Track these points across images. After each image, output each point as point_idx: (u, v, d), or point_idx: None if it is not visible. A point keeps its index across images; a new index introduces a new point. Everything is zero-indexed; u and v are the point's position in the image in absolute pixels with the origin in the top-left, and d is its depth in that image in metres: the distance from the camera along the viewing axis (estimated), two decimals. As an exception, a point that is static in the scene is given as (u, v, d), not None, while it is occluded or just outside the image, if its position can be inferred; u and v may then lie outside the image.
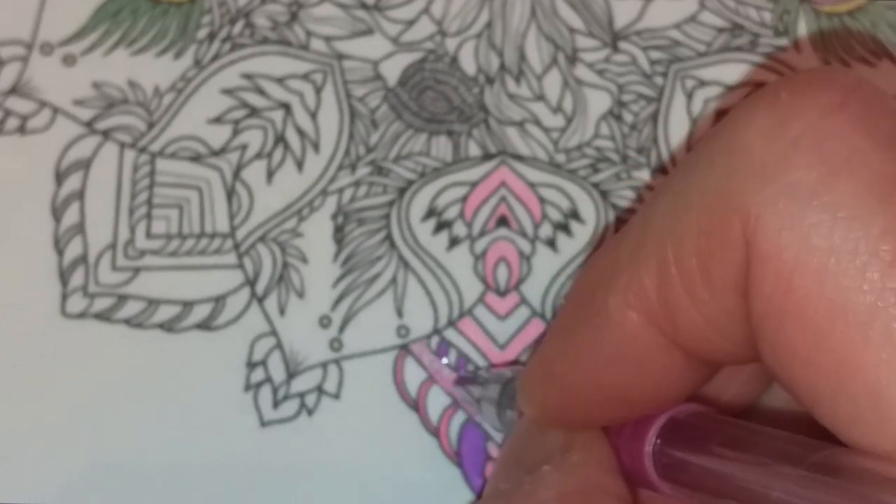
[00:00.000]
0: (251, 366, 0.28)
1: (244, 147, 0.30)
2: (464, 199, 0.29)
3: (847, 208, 0.15)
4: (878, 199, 0.15)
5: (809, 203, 0.15)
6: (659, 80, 0.31)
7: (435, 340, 0.28)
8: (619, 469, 0.19)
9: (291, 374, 0.28)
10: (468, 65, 0.31)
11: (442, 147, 0.30)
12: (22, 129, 0.30)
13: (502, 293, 0.29)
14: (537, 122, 0.30)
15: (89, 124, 0.30)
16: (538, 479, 0.19)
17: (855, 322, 0.15)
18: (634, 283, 0.18)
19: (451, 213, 0.29)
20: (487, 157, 0.30)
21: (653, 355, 0.18)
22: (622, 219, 0.29)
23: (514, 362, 0.28)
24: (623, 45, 0.31)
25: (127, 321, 0.28)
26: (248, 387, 0.28)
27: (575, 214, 0.29)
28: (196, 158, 0.30)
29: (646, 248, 0.18)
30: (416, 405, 0.28)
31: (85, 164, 0.29)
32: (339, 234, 0.29)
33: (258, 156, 0.30)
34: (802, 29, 0.31)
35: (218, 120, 0.30)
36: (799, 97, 0.16)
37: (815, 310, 0.15)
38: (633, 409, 0.19)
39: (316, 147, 0.30)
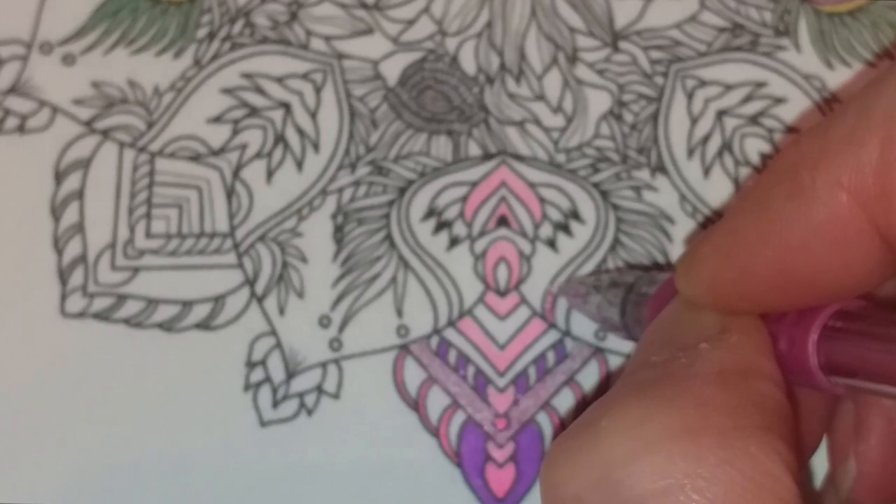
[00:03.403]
0: (251, 365, 0.28)
1: (244, 147, 0.30)
2: (464, 199, 0.29)
3: None
4: None
5: None
6: (659, 79, 0.31)
7: (435, 340, 0.28)
8: (774, 355, 0.19)
9: (291, 374, 0.28)
10: (468, 64, 0.31)
11: (442, 147, 0.30)
12: (21, 129, 0.30)
13: (502, 293, 0.29)
14: (537, 122, 0.30)
15: (89, 124, 0.30)
16: (695, 355, 0.19)
17: None
18: (850, 161, 0.17)
19: (451, 213, 0.29)
20: (487, 156, 0.30)
21: (853, 241, 0.17)
22: (622, 219, 0.29)
23: (632, 267, 0.28)
24: (623, 44, 0.31)
25: (126, 321, 0.28)
26: (247, 386, 0.28)
27: (575, 214, 0.29)
28: (195, 158, 0.30)
29: (869, 126, 0.17)
30: (416, 405, 0.28)
31: (84, 164, 0.29)
32: (339, 234, 0.29)
33: (258, 155, 0.30)
34: (803, 29, 0.31)
35: (217, 119, 0.30)
36: None
37: None
38: (809, 296, 0.19)
39: (316, 147, 0.30)
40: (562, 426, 0.28)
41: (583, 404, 0.28)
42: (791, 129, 0.30)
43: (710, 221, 0.29)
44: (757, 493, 0.17)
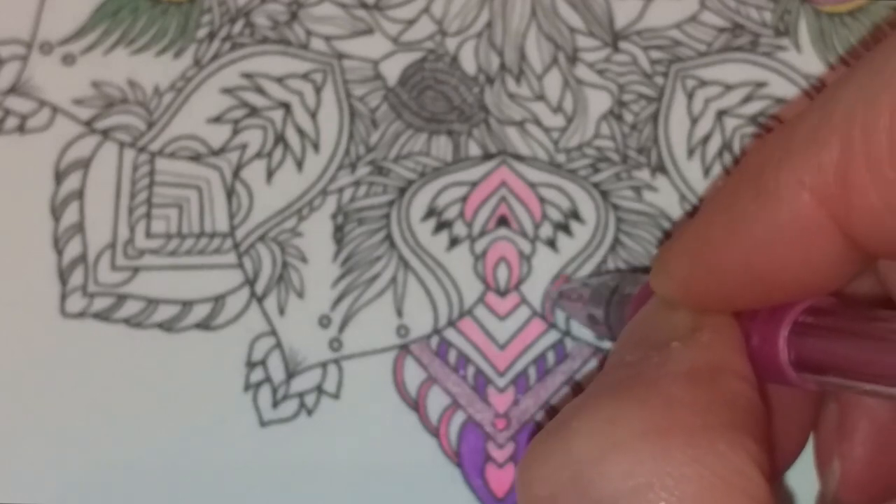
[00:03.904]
0: (251, 365, 0.28)
1: (244, 146, 0.30)
2: (464, 199, 0.29)
3: None
4: None
5: None
6: (659, 79, 0.31)
7: (435, 340, 0.28)
8: (746, 353, 0.19)
9: (291, 374, 0.28)
10: (468, 64, 0.31)
11: (442, 147, 0.30)
12: (21, 129, 0.30)
13: (502, 293, 0.29)
14: (537, 122, 0.30)
15: (89, 123, 0.30)
16: (667, 354, 0.19)
17: None
18: (812, 161, 0.17)
19: (451, 213, 0.29)
20: (487, 156, 0.30)
21: (816, 240, 0.18)
22: (622, 219, 0.29)
23: (616, 270, 0.29)
24: (623, 44, 0.31)
25: (126, 321, 0.28)
26: (247, 386, 0.28)
27: (575, 214, 0.29)
28: (196, 158, 0.30)
29: (829, 126, 0.17)
30: (416, 405, 0.28)
31: (84, 164, 0.29)
32: (339, 234, 0.29)
33: (258, 155, 0.30)
34: (803, 29, 0.31)
35: (218, 119, 0.30)
36: None
37: None
38: (777, 294, 0.19)
39: (316, 147, 0.30)
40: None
41: (583, 404, 0.28)
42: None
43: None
44: (726, 491, 0.17)
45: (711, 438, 0.17)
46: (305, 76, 0.31)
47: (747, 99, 0.31)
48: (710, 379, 0.18)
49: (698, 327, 0.19)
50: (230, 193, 0.29)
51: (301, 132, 0.30)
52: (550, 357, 0.28)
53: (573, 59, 0.31)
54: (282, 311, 0.28)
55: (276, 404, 0.28)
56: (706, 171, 0.30)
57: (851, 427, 0.22)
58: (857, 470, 0.22)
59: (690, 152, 0.30)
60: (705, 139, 0.30)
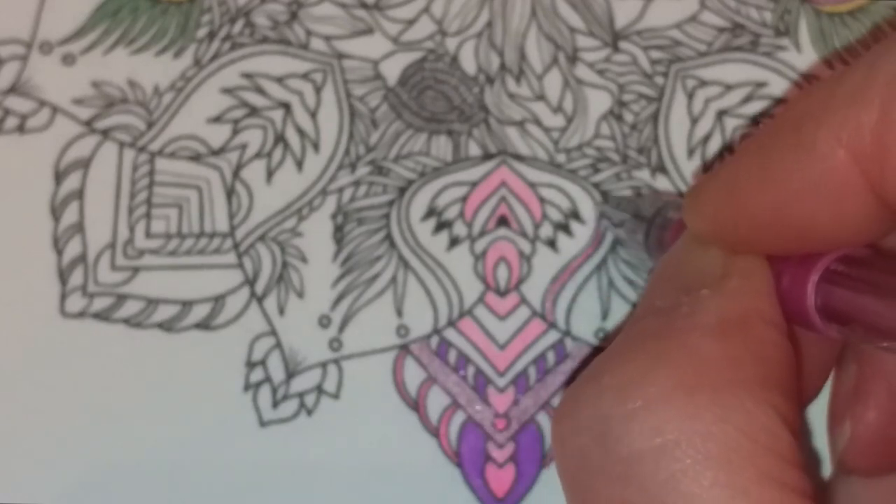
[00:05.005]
0: (250, 365, 0.28)
1: (244, 146, 0.30)
2: (464, 198, 0.29)
3: None
4: None
5: None
6: (659, 79, 0.31)
7: (435, 340, 0.28)
8: (776, 296, 0.19)
9: (291, 374, 0.28)
10: (468, 64, 0.31)
11: (442, 147, 0.30)
12: (21, 129, 0.30)
13: (502, 293, 0.29)
14: (538, 122, 0.30)
15: (89, 123, 0.30)
16: (697, 302, 0.19)
17: None
18: (851, 120, 0.18)
19: (451, 213, 0.29)
20: (487, 156, 0.30)
21: (848, 197, 0.18)
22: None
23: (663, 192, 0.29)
24: (624, 44, 0.31)
25: (126, 321, 0.28)
26: (247, 386, 0.28)
27: (575, 214, 0.29)
28: (195, 158, 0.30)
29: (872, 88, 0.17)
30: (416, 405, 0.28)
31: (84, 164, 0.29)
32: (339, 234, 0.29)
33: (258, 155, 0.30)
34: (803, 29, 0.31)
35: (217, 119, 0.30)
36: None
37: None
38: (806, 244, 0.19)
39: (316, 146, 0.30)
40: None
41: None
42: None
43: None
44: (752, 449, 0.17)
45: (739, 395, 0.17)
46: (305, 76, 0.31)
47: (747, 99, 0.31)
48: (739, 330, 0.18)
49: (727, 273, 0.19)
50: (230, 193, 0.29)
51: (301, 132, 0.30)
52: (550, 357, 0.28)
53: (573, 58, 0.31)
54: (282, 311, 0.28)
55: (276, 404, 0.28)
56: (706, 171, 0.30)
57: (868, 390, 0.22)
58: (867, 434, 0.22)
59: (690, 152, 0.30)
60: (705, 139, 0.30)
